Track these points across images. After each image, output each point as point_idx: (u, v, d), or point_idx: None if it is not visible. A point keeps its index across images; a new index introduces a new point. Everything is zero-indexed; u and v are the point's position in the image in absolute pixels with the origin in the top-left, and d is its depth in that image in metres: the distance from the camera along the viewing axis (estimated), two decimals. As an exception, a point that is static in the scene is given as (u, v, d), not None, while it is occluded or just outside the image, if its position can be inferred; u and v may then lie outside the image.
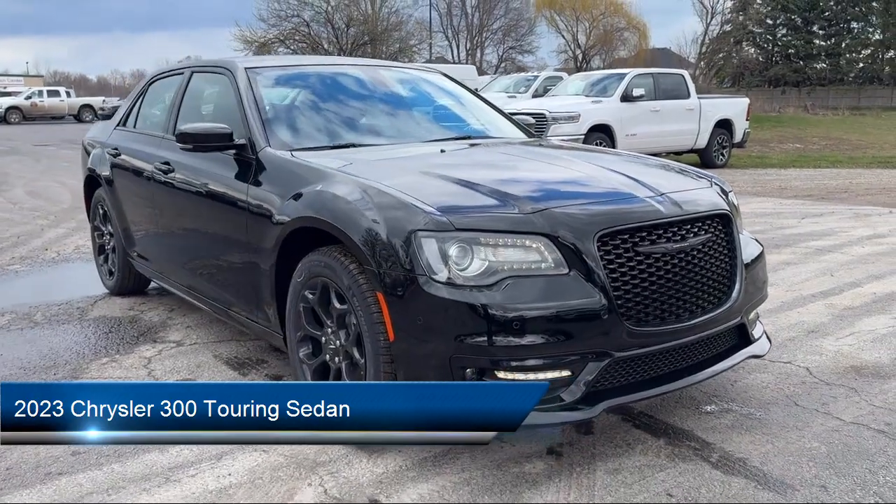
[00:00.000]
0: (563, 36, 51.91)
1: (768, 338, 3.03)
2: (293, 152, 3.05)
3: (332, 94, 3.66)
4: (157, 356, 3.62)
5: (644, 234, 2.44)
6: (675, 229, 2.52)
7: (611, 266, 2.35)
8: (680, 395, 3.03)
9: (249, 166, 3.11)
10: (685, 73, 14.02)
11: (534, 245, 2.34)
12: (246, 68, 3.54)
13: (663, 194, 2.62)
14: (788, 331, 3.88)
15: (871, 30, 50.17)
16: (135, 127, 4.44)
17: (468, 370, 2.28)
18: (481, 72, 30.00)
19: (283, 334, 2.94)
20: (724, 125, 13.61)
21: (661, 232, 2.47)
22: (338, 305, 2.60)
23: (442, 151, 3.18)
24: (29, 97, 35.48)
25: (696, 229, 2.58)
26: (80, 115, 35.70)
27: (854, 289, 4.74)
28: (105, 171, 4.47)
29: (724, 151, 13.79)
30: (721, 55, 51.94)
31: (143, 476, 2.46)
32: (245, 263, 3.12)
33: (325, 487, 2.37)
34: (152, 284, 4.77)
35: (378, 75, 3.95)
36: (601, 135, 11.78)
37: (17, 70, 69.80)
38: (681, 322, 2.48)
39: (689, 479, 2.40)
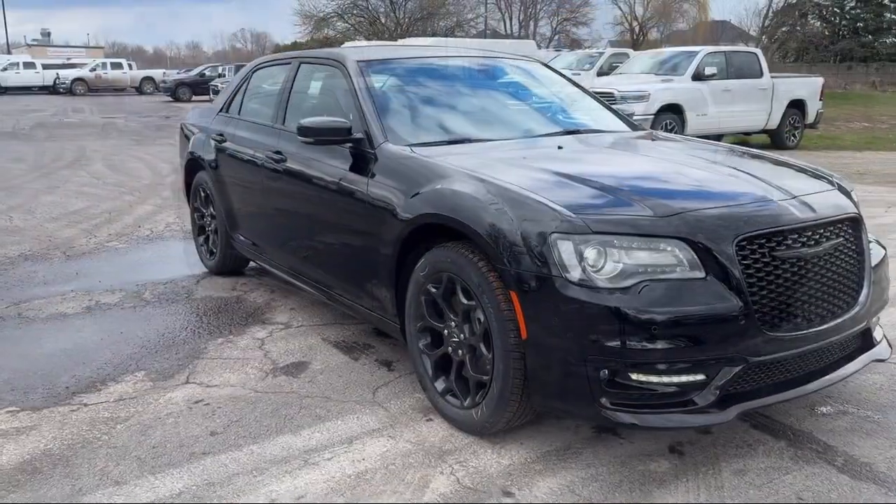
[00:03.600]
0: (619, 7, 50.71)
1: (888, 342, 2.99)
2: (412, 148, 3.11)
3: (441, 86, 3.70)
4: (269, 337, 3.77)
5: (781, 238, 2.43)
6: (810, 233, 2.50)
7: (748, 271, 2.35)
8: (794, 395, 3.03)
9: (367, 160, 3.18)
10: (758, 51, 13.63)
11: (669, 248, 2.35)
12: (357, 61, 3.60)
13: (795, 197, 2.60)
14: (894, 329, 3.80)
15: (948, 1, 47.68)
16: (239, 113, 4.56)
17: (602, 371, 2.32)
18: (537, 45, 29.60)
19: (400, 323, 3.03)
20: (797, 105, 13.23)
21: (796, 236, 2.46)
22: (464, 301, 2.65)
23: (559, 148, 3.20)
24: (94, 69, 36.51)
25: (828, 234, 2.56)
26: (141, 88, 36.67)
27: (957, 285, 4.60)
28: (209, 156, 4.62)
29: (797, 132, 13.43)
30: (785, 28, 49.99)
31: (282, 459, 2.59)
32: (358, 251, 3.20)
33: (457, 476, 2.46)
34: (250, 265, 4.94)
35: (481, 66, 3.98)
36: (672, 115, 11.59)
37: (77, 41, 71.77)
38: (813, 327, 2.47)
39: (818, 483, 2.42)
